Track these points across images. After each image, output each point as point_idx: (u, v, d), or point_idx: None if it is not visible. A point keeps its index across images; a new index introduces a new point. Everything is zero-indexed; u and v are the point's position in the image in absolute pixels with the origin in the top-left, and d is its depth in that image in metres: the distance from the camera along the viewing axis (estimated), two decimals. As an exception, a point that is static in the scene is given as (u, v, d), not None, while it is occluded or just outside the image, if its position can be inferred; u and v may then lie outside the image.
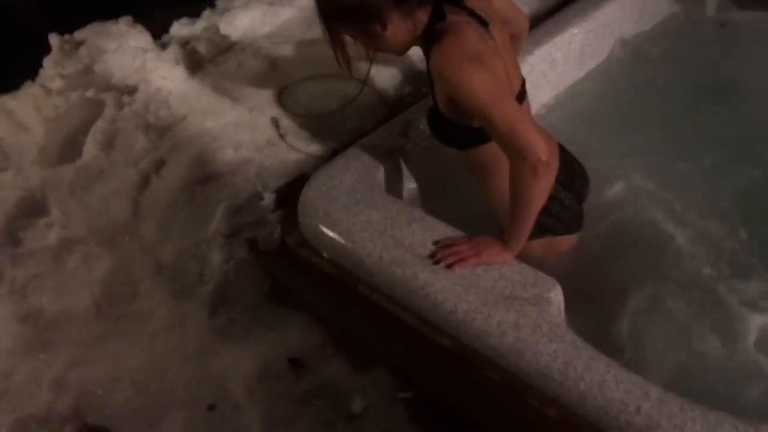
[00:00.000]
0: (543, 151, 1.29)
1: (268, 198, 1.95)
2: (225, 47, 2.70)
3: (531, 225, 1.43)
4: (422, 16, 1.40)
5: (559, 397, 1.23)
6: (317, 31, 2.67)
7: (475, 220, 1.77)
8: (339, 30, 1.46)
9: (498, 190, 1.56)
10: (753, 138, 2.11)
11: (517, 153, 1.31)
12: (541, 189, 1.36)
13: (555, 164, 1.42)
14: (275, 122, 2.23)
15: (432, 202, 1.97)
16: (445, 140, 1.61)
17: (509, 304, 1.36)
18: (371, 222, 1.63)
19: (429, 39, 1.38)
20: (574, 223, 1.72)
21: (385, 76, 2.40)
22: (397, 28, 1.39)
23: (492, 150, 1.46)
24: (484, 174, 1.61)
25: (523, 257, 1.50)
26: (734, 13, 2.64)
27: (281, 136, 2.19)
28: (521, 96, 1.54)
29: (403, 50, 1.50)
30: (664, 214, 1.83)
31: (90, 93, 2.45)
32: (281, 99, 2.34)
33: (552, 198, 1.52)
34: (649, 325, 1.59)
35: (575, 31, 2.34)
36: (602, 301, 1.68)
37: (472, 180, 1.69)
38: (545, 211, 1.47)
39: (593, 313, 1.63)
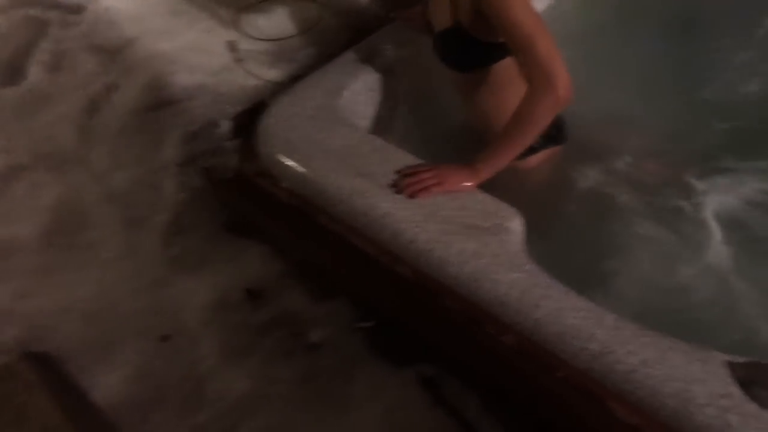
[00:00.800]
0: (569, 87, 1.31)
1: (225, 125, 1.88)
2: (179, -35, 2.55)
3: (517, 153, 1.42)
4: None
5: (516, 324, 1.23)
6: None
7: (443, 147, 1.76)
8: None
9: (509, 107, 1.43)
10: (704, 67, 2.09)
11: (546, 80, 1.30)
12: (550, 119, 1.36)
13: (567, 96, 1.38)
14: (233, 46, 2.13)
15: (395, 131, 1.92)
16: (462, 61, 1.55)
17: (469, 234, 1.34)
18: (332, 150, 1.58)
19: None
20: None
21: (348, 0, 2.30)
22: None
23: (510, 65, 1.48)
24: (499, 90, 1.54)
25: (530, 173, 1.59)
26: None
27: (239, 60, 2.09)
28: None
29: None
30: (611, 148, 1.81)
31: (34, 11, 2.31)
32: (239, 22, 2.23)
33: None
34: (616, 251, 1.59)
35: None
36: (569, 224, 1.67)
37: (474, 100, 1.64)
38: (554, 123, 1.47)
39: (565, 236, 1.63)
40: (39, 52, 2.17)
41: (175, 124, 1.90)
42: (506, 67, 1.50)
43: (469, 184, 1.43)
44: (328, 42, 2.17)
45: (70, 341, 1.52)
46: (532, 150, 1.62)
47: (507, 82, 1.54)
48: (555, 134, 1.68)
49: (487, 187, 1.50)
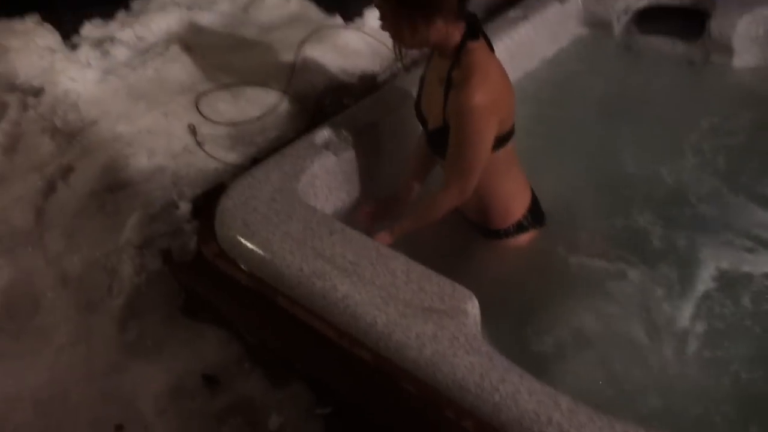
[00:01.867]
0: (468, 194, 1.62)
1: (184, 207, 1.90)
2: (140, 50, 2.61)
3: (421, 226, 1.73)
4: (458, 30, 1.50)
5: (475, 408, 1.25)
6: (237, 37, 2.68)
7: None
8: (396, 10, 1.47)
9: (491, 192, 1.71)
10: (653, 147, 2.23)
11: (459, 181, 1.60)
12: (448, 210, 1.70)
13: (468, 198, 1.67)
14: (192, 129, 2.17)
15: (352, 213, 1.97)
16: None
17: (428, 317, 1.37)
18: (291, 233, 1.61)
19: (458, 55, 1.50)
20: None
21: (305, 86, 2.39)
22: (439, 28, 1.47)
23: (494, 159, 1.60)
24: (485, 177, 1.64)
25: (511, 253, 1.78)
26: (639, 38, 2.78)
27: (199, 143, 2.13)
28: (513, 131, 1.64)
29: (419, 47, 1.58)
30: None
31: (-9, 93, 2.31)
32: (199, 106, 2.28)
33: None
34: (568, 335, 1.64)
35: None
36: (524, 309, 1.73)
37: None
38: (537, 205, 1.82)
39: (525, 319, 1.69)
40: (-4, 134, 2.17)
41: (133, 206, 1.91)
42: (498, 158, 1.62)
43: (386, 240, 1.69)
44: (287, 126, 2.23)
45: (20, 432, 1.47)
46: (522, 228, 1.80)
47: (499, 170, 1.67)
48: (538, 216, 1.84)
49: (471, 262, 1.70)
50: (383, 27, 1.53)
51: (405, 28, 1.48)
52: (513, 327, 1.63)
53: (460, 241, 1.87)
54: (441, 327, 1.35)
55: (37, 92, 2.36)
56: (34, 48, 2.53)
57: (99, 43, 2.62)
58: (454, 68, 1.51)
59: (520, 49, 2.51)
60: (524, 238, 1.82)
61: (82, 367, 1.61)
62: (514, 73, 2.47)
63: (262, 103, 2.29)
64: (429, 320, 1.36)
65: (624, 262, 1.81)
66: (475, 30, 1.52)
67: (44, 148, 2.13)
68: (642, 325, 1.65)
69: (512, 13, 2.63)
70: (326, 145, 1.96)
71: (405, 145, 1.96)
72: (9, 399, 1.54)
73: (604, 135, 2.30)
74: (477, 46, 1.52)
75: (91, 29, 2.77)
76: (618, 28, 2.82)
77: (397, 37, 1.54)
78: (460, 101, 1.48)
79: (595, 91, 2.51)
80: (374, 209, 1.92)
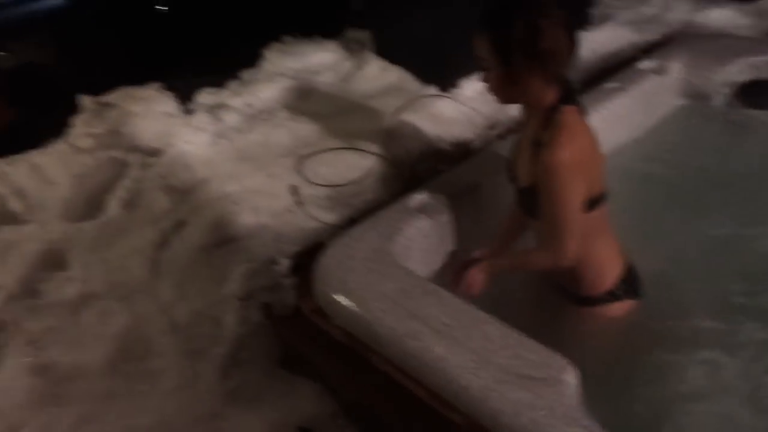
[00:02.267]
0: (569, 258, 1.60)
1: (284, 263, 1.98)
2: (248, 116, 2.79)
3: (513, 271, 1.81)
4: (554, 92, 1.55)
5: (571, 481, 1.23)
6: (337, 105, 2.83)
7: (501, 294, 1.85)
8: (500, 62, 1.53)
9: (583, 257, 1.68)
10: (757, 219, 2.16)
11: (554, 243, 1.60)
12: (541, 268, 1.76)
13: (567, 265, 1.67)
14: (294, 190, 2.29)
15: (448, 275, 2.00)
16: (539, 214, 1.67)
17: (524, 384, 1.36)
18: (386, 292, 1.65)
19: (551, 115, 1.54)
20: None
21: (401, 152, 2.48)
22: (537, 86, 1.53)
23: (584, 221, 1.60)
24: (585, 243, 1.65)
25: (602, 321, 1.76)
26: (741, 111, 2.73)
27: (299, 203, 2.24)
28: (604, 195, 1.66)
29: (514, 103, 1.67)
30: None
31: (117, 153, 2.53)
32: (301, 168, 2.41)
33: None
34: (667, 410, 1.60)
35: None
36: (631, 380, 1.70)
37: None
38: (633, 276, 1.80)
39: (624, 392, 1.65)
40: (118, 190, 2.36)
41: (238, 260, 2.01)
42: (590, 222, 1.63)
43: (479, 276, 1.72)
44: (382, 190, 2.32)
45: (128, 471, 1.55)
46: (615, 296, 1.76)
47: (592, 234, 1.66)
48: (634, 287, 1.80)
49: (560, 328, 1.68)
50: (483, 78, 1.59)
51: (505, 81, 1.54)
52: (610, 398, 1.59)
53: (550, 305, 1.86)
54: (538, 396, 1.33)
55: (156, 153, 2.56)
56: (154, 113, 2.76)
57: (212, 110, 2.83)
58: (545, 128, 1.55)
59: (616, 120, 2.52)
60: (618, 308, 1.79)
61: (187, 411, 1.69)
62: (609, 143, 2.48)
63: (359, 167, 2.39)
64: (525, 388, 1.35)
65: (726, 335, 1.75)
66: (570, 94, 1.57)
67: (160, 204, 2.30)
68: (747, 403, 1.58)
69: (608, 85, 2.65)
70: (421, 209, 2.01)
71: (499, 209, 1.99)
72: (120, 438, 1.64)
73: (703, 207, 2.25)
74: (569, 109, 1.55)
75: (205, 97, 3.00)
76: (718, 100, 2.78)
77: (495, 90, 1.59)
78: (546, 159, 1.51)
79: (694, 163, 2.47)
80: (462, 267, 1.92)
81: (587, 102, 2.45)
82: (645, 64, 2.80)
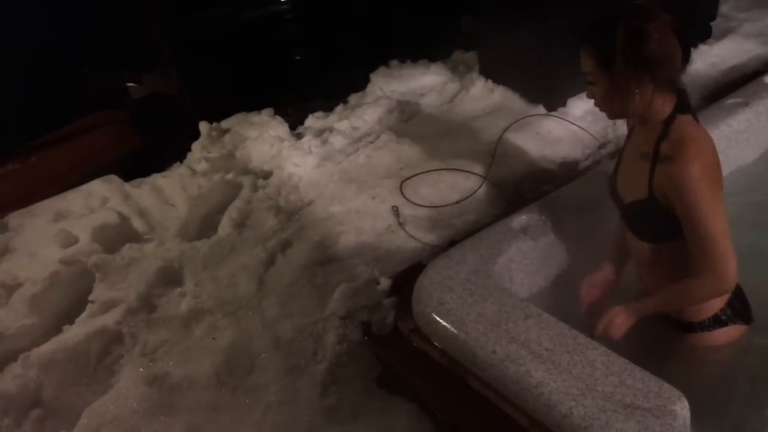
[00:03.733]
0: (734, 277, 1.44)
1: (384, 283, 2.00)
2: (354, 139, 2.86)
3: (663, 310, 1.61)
4: (669, 102, 1.48)
5: None
6: (441, 126, 2.83)
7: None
8: (608, 73, 1.46)
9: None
10: None
11: (713, 267, 1.44)
12: (706, 301, 1.57)
13: (731, 287, 1.53)
14: (396, 211, 2.31)
15: (550, 298, 1.94)
16: (651, 231, 1.60)
17: (630, 413, 1.29)
18: (485, 314, 1.62)
19: (667, 127, 1.47)
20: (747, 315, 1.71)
21: (505, 172, 2.44)
22: (648, 96, 1.46)
23: None
24: (683, 263, 1.54)
25: (715, 350, 1.63)
26: None
27: (401, 224, 2.26)
28: None
29: (624, 116, 1.56)
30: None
31: (230, 176, 2.67)
32: (403, 189, 2.43)
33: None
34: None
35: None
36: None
37: (655, 270, 1.66)
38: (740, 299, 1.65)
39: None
40: (230, 210, 2.48)
41: (339, 279, 2.05)
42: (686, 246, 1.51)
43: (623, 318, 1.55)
44: (484, 210, 2.29)
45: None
46: (720, 322, 1.63)
47: (688, 258, 1.54)
48: (742, 310, 1.66)
49: (661, 355, 1.54)
50: (590, 94, 1.53)
51: (614, 93, 1.46)
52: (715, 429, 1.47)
53: (652, 332, 1.73)
54: (645, 427, 1.26)
55: (267, 175, 2.68)
56: (266, 137, 2.90)
57: (320, 133, 2.93)
58: (663, 141, 1.46)
59: (739, 137, 2.35)
60: (724, 333, 1.64)
61: (287, 425, 1.72)
62: (731, 163, 2.35)
63: (462, 188, 2.38)
64: (631, 418, 1.28)
65: None
66: (686, 104, 1.48)
67: (268, 224, 2.39)
68: None
69: (731, 100, 2.49)
70: (524, 230, 1.97)
71: (604, 232, 1.91)
72: (223, 449, 1.70)
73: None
74: (688, 120, 1.47)
75: (313, 120, 3.12)
76: None
77: (603, 104, 1.52)
78: (678, 175, 1.40)
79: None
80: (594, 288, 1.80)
81: (707, 118, 2.34)
82: (772, 77, 2.61)
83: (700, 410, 1.32)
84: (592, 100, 1.54)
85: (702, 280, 1.46)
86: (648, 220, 1.55)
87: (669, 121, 1.47)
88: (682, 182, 1.40)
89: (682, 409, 1.28)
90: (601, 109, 1.55)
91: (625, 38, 1.38)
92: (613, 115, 1.57)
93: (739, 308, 1.66)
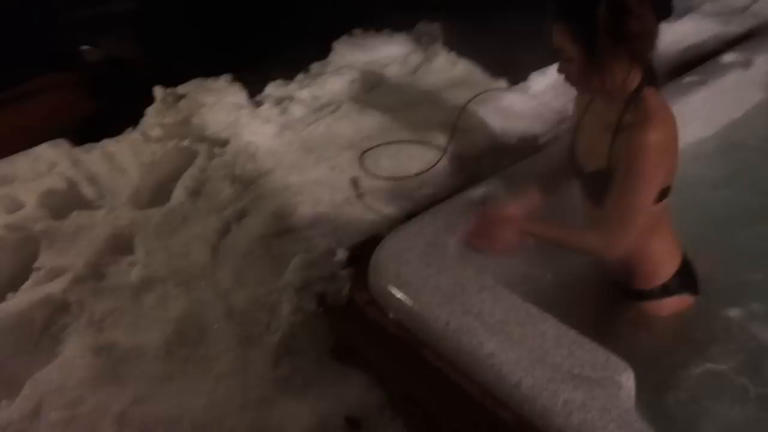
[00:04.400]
0: (621, 251, 1.55)
1: (341, 255, 1.98)
2: (315, 109, 2.81)
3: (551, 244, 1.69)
4: (638, 75, 1.48)
5: (625, 489, 1.16)
6: (403, 98, 2.80)
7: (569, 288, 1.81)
8: (587, 48, 1.45)
9: (647, 251, 1.64)
10: None
11: (613, 229, 1.53)
12: (585, 253, 1.69)
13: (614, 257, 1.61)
14: (355, 182, 2.28)
15: (506, 270, 1.94)
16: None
17: (577, 384, 1.31)
18: (441, 287, 1.62)
19: (635, 98, 1.48)
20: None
21: (465, 146, 2.43)
22: (624, 70, 1.46)
23: (657, 211, 1.56)
24: (642, 232, 1.57)
25: (653, 317, 1.67)
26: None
27: (360, 196, 2.23)
28: (671, 187, 1.58)
29: (598, 91, 1.56)
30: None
31: (185, 143, 2.60)
32: (363, 161, 2.40)
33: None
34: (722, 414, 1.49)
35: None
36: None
37: None
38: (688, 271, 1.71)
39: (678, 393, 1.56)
40: (185, 178, 2.42)
41: (296, 250, 2.02)
42: (652, 213, 1.55)
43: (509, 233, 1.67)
44: (444, 183, 2.27)
45: (176, 452, 1.57)
46: (668, 291, 1.68)
47: (652, 225, 1.59)
48: (689, 282, 1.71)
49: (610, 323, 1.59)
50: (562, 70, 1.52)
51: (588, 69, 1.46)
52: (661, 397, 1.51)
53: (597, 298, 1.78)
54: (591, 397, 1.28)
55: (223, 143, 2.61)
56: (224, 104, 2.82)
57: (279, 101, 2.87)
58: (627, 113, 1.48)
59: (694, 115, 2.38)
60: (671, 303, 1.69)
61: (238, 395, 1.70)
62: (685, 139, 2.37)
63: (422, 160, 2.36)
64: (578, 388, 1.30)
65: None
66: (653, 76, 1.49)
67: (224, 193, 2.34)
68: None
69: (688, 78, 2.51)
70: (482, 203, 1.96)
71: (562, 207, 1.92)
72: (172, 419, 1.66)
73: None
74: (653, 92, 1.48)
75: (273, 88, 3.05)
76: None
77: (579, 80, 1.51)
78: (635, 141, 1.43)
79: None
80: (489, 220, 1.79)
81: (665, 96, 2.36)
82: (729, 57, 2.64)
83: (646, 380, 1.35)
84: (556, 76, 1.54)
85: (598, 237, 1.58)
86: (608, 190, 1.56)
87: (637, 93, 1.47)
88: (633, 147, 1.43)
89: (628, 380, 1.31)
90: (575, 85, 1.55)
91: (607, 13, 1.37)
92: (584, 90, 1.58)
93: (686, 280, 1.70)
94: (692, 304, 1.72)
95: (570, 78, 1.52)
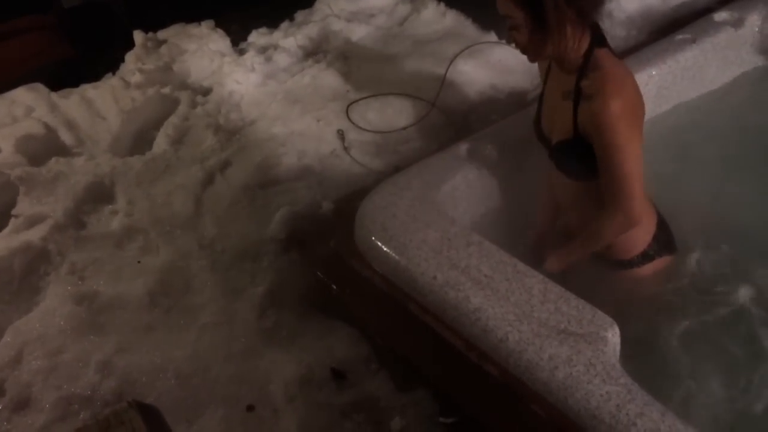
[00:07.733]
0: (637, 218, 1.49)
1: (327, 207, 1.96)
2: (300, 58, 2.75)
3: (586, 256, 1.65)
4: (586, 38, 1.44)
5: (607, 440, 1.18)
6: (391, 50, 2.75)
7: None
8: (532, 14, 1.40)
9: None
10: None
11: (617, 202, 1.47)
12: (617, 237, 1.57)
13: (636, 225, 1.55)
14: (341, 135, 2.25)
15: (493, 226, 1.94)
16: (578, 170, 1.58)
17: (563, 339, 1.31)
18: (427, 241, 1.61)
19: (586, 64, 1.43)
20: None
21: (454, 100, 2.40)
22: (569, 34, 1.41)
23: None
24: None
25: (643, 282, 1.68)
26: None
27: (346, 148, 2.20)
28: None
29: (549, 56, 1.50)
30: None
31: (166, 90, 2.53)
32: (349, 113, 2.36)
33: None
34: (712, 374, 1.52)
35: (653, 72, 2.29)
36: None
37: (579, 207, 1.67)
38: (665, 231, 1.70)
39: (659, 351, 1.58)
40: (166, 126, 2.37)
41: (281, 202, 2.00)
42: None
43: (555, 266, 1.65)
44: (432, 137, 2.25)
45: (161, 399, 1.57)
46: (648, 257, 1.66)
47: None
48: (667, 242, 1.69)
49: (596, 287, 1.56)
50: (512, 39, 1.48)
51: (537, 35, 1.41)
52: (647, 358, 1.53)
53: (584, 272, 1.76)
54: (577, 351, 1.29)
55: (206, 92, 2.56)
56: (206, 51, 2.75)
57: (264, 50, 2.80)
58: (583, 78, 1.43)
59: (684, 74, 2.36)
60: (652, 267, 1.68)
61: (223, 346, 1.70)
62: (674, 99, 2.37)
63: (409, 114, 2.33)
64: (564, 343, 1.31)
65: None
66: (601, 36, 1.45)
67: (207, 143, 2.30)
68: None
69: (679, 36, 2.48)
70: (469, 158, 1.94)
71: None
72: (155, 368, 1.66)
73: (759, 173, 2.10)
74: (605, 54, 1.44)
75: (257, 36, 2.97)
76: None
77: (531, 47, 1.46)
78: (599, 112, 1.39)
79: (761, 127, 2.30)
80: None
81: (655, 53, 2.34)
82: (721, 15, 2.60)
83: (630, 337, 1.36)
84: (512, 43, 1.49)
85: (609, 217, 1.51)
86: (575, 159, 1.54)
87: (587, 56, 1.43)
88: (602, 119, 1.39)
89: (613, 335, 1.32)
90: (526, 53, 1.50)
91: None
92: (536, 58, 1.52)
93: (664, 241, 1.69)
94: (671, 262, 1.72)
95: (520, 46, 1.47)
